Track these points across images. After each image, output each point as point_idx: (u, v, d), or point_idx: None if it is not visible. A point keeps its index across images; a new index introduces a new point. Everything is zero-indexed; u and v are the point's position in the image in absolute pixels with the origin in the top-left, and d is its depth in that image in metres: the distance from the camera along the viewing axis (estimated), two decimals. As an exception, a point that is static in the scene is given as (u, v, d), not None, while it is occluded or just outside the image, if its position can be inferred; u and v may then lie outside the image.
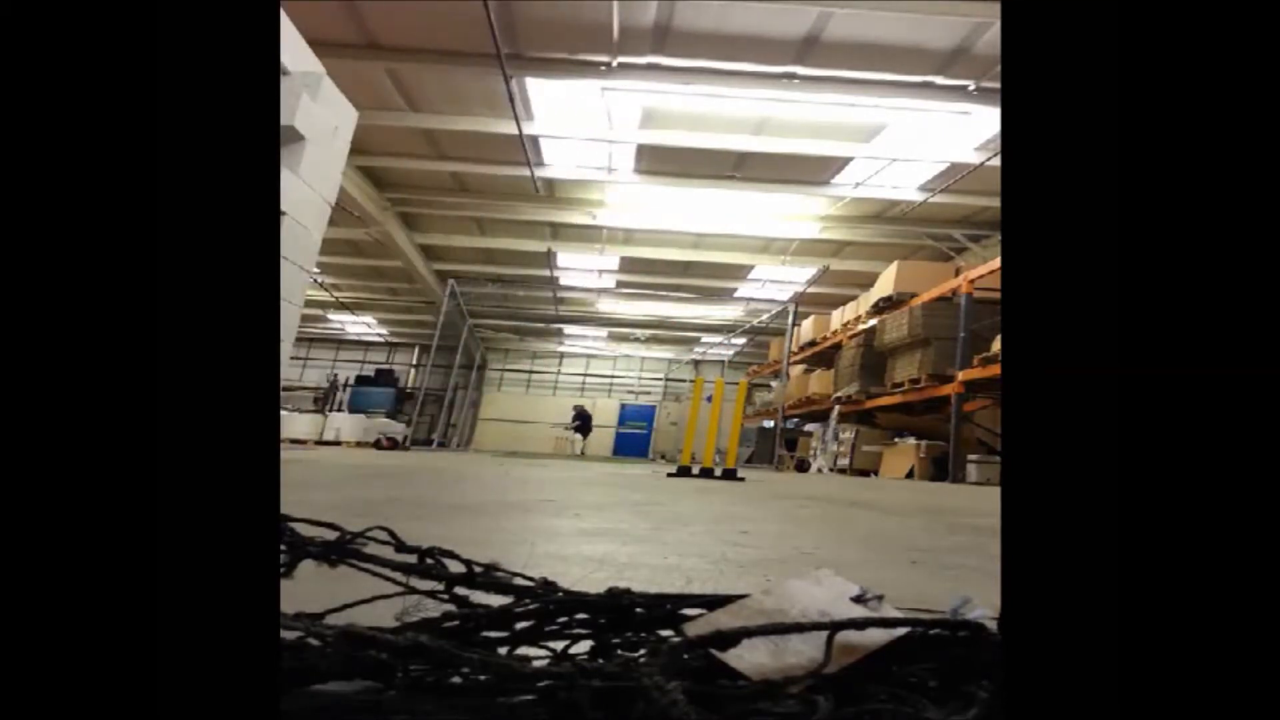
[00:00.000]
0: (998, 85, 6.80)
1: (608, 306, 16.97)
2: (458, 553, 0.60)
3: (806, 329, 13.60)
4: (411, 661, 0.44)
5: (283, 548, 0.57)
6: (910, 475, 8.67)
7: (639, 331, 18.62)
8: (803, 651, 0.48)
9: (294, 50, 3.48)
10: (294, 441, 12.84)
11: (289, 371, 16.50)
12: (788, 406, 13.04)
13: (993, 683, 0.45)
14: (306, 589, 0.59)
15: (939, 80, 7.06)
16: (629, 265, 13.76)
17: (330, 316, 19.61)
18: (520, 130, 8.17)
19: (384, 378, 21.19)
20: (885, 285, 10.47)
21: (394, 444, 12.64)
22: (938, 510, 3.08)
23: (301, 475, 3.24)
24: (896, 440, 9.62)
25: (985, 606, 0.59)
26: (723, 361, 19.87)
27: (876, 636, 0.50)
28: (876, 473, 9.52)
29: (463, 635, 0.54)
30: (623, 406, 20.96)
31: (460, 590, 0.59)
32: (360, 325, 20.60)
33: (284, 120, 3.26)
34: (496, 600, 0.58)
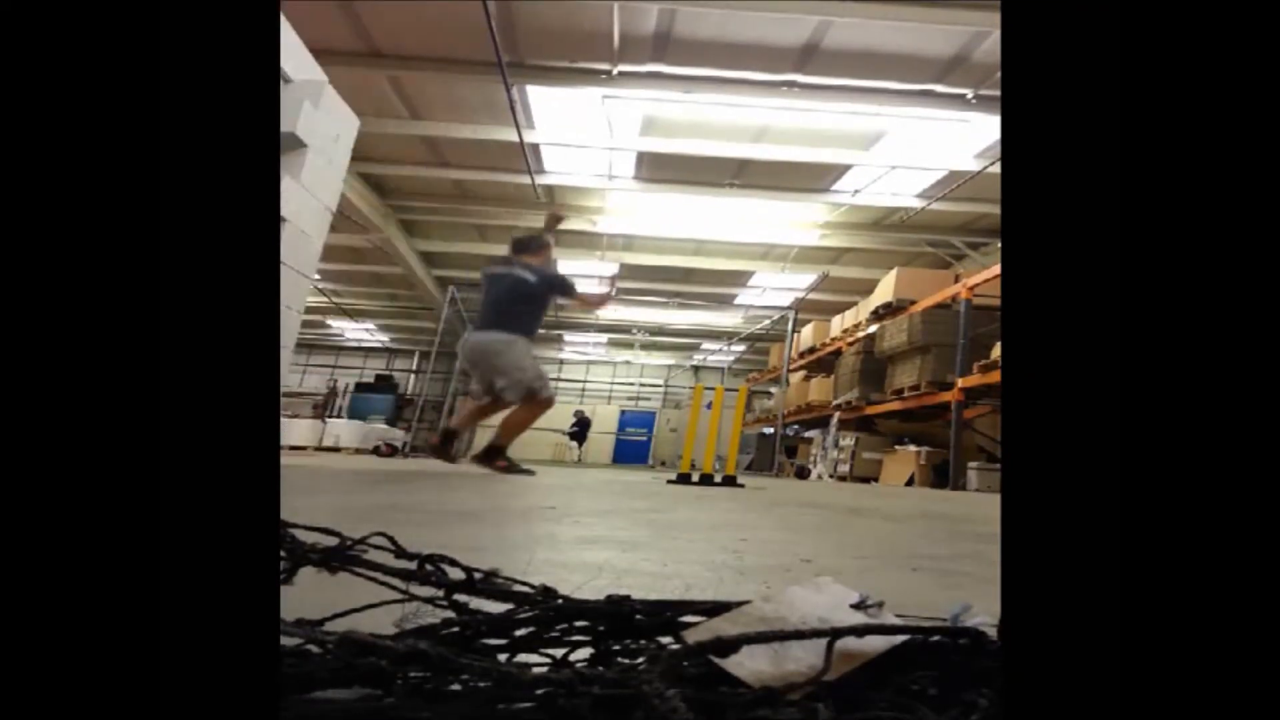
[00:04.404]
0: (996, 93, 6.85)
1: (607, 313, 16.97)
2: (457, 559, 0.60)
3: (806, 335, 13.58)
4: (410, 668, 0.44)
5: (283, 554, 0.57)
6: (911, 482, 8.65)
7: (638, 337, 18.63)
8: (803, 658, 0.48)
9: (296, 58, 3.49)
10: (294, 448, 12.83)
11: (289, 378, 16.49)
12: (788, 413, 13.01)
13: (993, 690, 0.45)
14: (306, 595, 0.59)
15: (938, 88, 7.10)
16: (629, 272, 13.78)
17: (330, 323, 19.62)
18: (521, 138, 8.20)
19: (384, 384, 21.17)
20: (885, 292, 10.47)
21: (393, 450, 12.63)
22: (938, 517, 3.08)
23: (302, 481, 3.24)
24: (897, 447, 9.61)
25: (986, 613, 0.59)
26: (723, 368, 19.86)
27: (877, 643, 0.49)
28: (877, 480, 9.50)
29: (462, 642, 0.54)
30: (622, 413, 20.92)
31: (460, 597, 0.59)
32: (360, 331, 20.60)
33: (285, 127, 3.27)
34: (496, 607, 0.58)
